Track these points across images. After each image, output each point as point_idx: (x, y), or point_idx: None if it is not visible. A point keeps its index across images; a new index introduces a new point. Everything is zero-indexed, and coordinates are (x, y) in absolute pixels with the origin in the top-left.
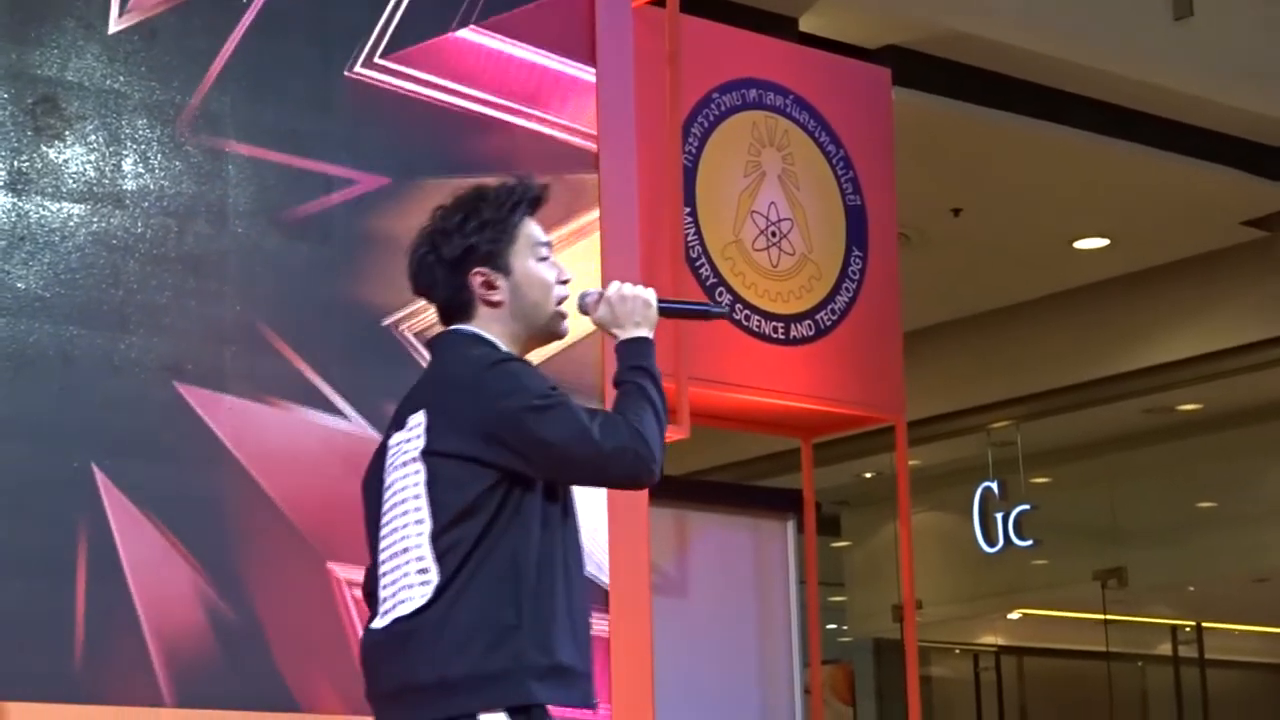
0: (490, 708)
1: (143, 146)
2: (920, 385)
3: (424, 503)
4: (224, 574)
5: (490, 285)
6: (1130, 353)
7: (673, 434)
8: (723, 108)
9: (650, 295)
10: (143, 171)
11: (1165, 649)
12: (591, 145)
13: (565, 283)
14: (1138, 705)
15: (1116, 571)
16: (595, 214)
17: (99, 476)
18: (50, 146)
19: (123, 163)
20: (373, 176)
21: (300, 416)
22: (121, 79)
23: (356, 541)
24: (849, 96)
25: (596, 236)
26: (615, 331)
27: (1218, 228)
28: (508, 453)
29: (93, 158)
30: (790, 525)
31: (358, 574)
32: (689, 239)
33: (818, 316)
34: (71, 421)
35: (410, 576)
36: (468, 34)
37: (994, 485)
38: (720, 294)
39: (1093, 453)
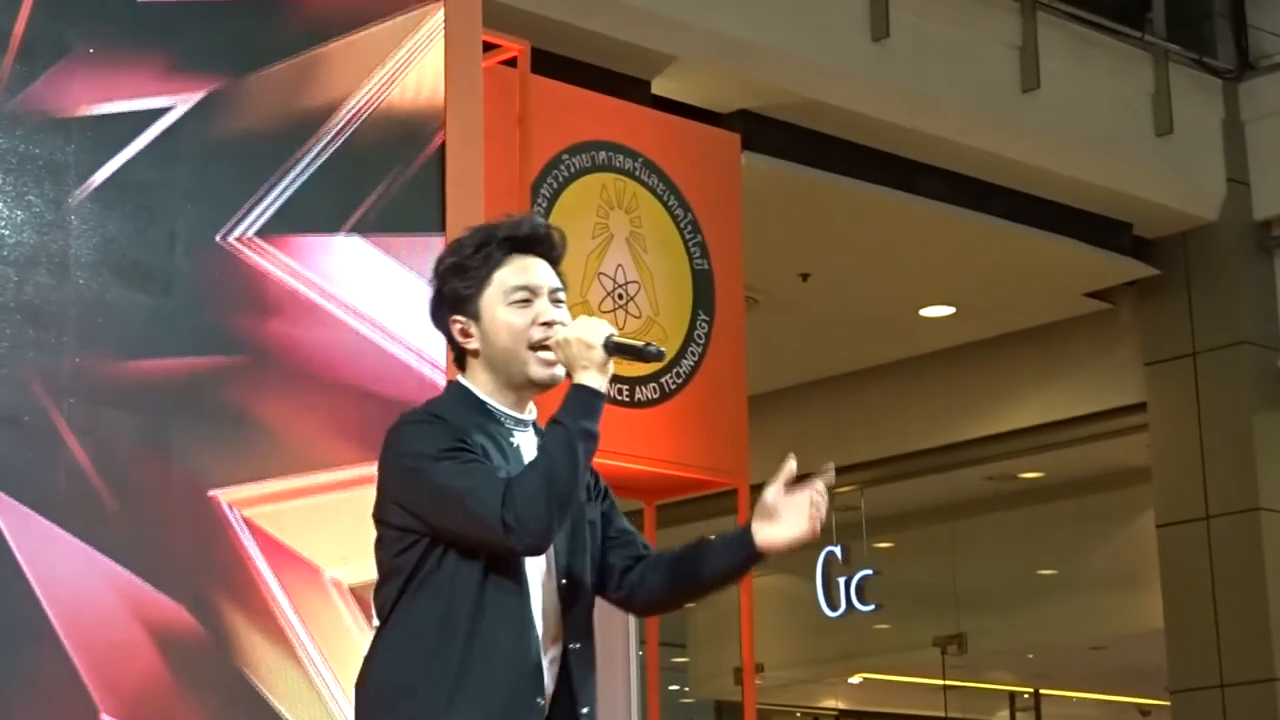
0: None
1: None
2: (765, 449)
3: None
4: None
5: (466, 333)
6: (974, 420)
7: None
8: (572, 169)
9: (592, 334)
10: None
11: (1003, 715)
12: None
13: (548, 325)
14: None
15: (957, 638)
16: None
17: None
18: None
19: None
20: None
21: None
22: None
23: None
24: (698, 160)
25: None
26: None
27: (1061, 299)
28: (404, 514)
29: None
30: None
31: None
32: None
33: (663, 380)
34: None
35: None
36: None
37: (837, 550)
38: None
39: (935, 519)
